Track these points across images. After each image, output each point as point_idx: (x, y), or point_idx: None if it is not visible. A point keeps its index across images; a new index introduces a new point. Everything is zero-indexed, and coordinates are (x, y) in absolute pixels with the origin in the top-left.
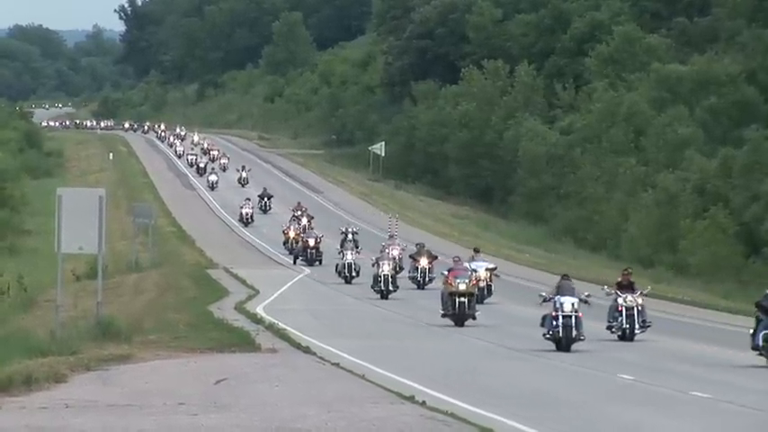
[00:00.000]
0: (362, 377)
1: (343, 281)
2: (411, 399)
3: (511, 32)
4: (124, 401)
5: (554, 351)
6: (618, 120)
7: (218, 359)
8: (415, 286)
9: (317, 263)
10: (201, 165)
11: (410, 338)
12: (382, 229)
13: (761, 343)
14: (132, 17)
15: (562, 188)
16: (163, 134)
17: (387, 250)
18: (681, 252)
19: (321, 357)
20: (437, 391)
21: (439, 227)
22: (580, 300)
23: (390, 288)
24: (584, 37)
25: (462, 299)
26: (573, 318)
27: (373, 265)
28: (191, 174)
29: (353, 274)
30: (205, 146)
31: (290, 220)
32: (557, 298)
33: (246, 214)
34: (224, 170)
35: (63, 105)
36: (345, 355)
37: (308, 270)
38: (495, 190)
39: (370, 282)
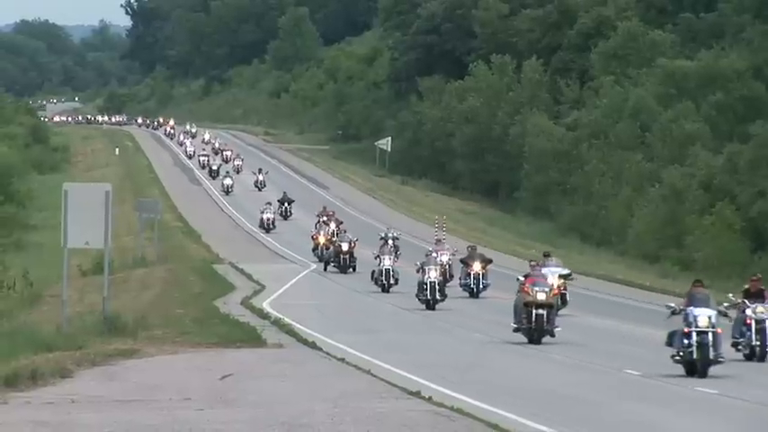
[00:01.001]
0: (369, 372)
1: (379, 289)
2: (417, 394)
3: (517, 28)
4: (130, 396)
5: (682, 376)
6: (624, 115)
7: (225, 354)
8: (467, 294)
9: (351, 269)
10: (214, 167)
11: (416, 333)
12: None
13: None
14: (138, 12)
15: (568, 184)
16: (171, 131)
17: (434, 255)
18: (687, 248)
19: (327, 352)
20: (443, 386)
21: (446, 222)
22: (718, 312)
23: (438, 297)
24: (591, 32)
25: (540, 311)
26: (710, 334)
27: (418, 272)
28: (203, 176)
29: (391, 281)
30: (216, 145)
31: (316, 225)
32: (689, 310)
33: (268, 220)
34: (237, 172)
35: (69, 100)
36: (351, 350)
37: (314, 265)
38: (501, 185)
39: (415, 290)
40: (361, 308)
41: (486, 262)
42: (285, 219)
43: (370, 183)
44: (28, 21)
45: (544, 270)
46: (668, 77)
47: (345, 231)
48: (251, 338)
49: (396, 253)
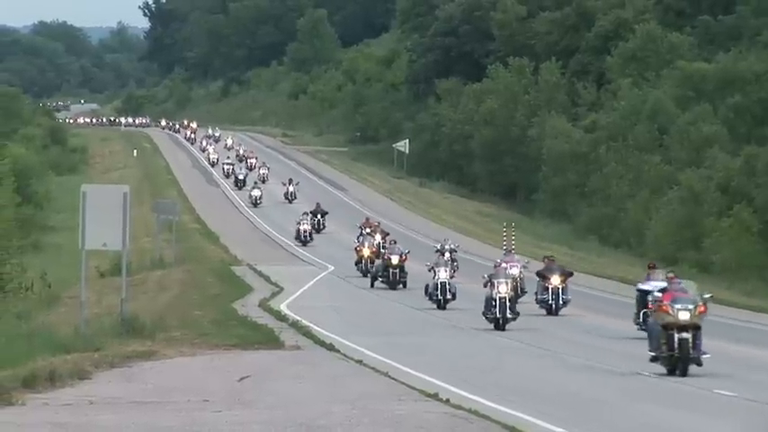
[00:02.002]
0: (386, 374)
1: (434, 305)
2: (435, 396)
3: (535, 30)
4: (148, 398)
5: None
6: (642, 118)
7: (242, 356)
8: (545, 311)
9: (401, 285)
10: (241, 177)
11: (434, 336)
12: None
13: None
14: (156, 14)
15: (586, 186)
16: (192, 136)
17: (503, 267)
18: (705, 250)
19: (345, 354)
20: (461, 388)
21: (463, 224)
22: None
23: (508, 315)
24: (609, 35)
25: (685, 334)
26: None
27: (486, 285)
28: (227, 185)
29: (448, 296)
30: (241, 152)
31: (359, 237)
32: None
33: (305, 231)
34: (263, 181)
35: (89, 101)
36: (369, 353)
37: (331, 267)
38: (519, 187)
39: (472, 305)
40: (379, 310)
41: (566, 275)
42: (318, 232)
43: (388, 185)
44: (46, 22)
45: (650, 284)
46: (686, 80)
47: (395, 242)
48: (269, 340)
49: (453, 265)
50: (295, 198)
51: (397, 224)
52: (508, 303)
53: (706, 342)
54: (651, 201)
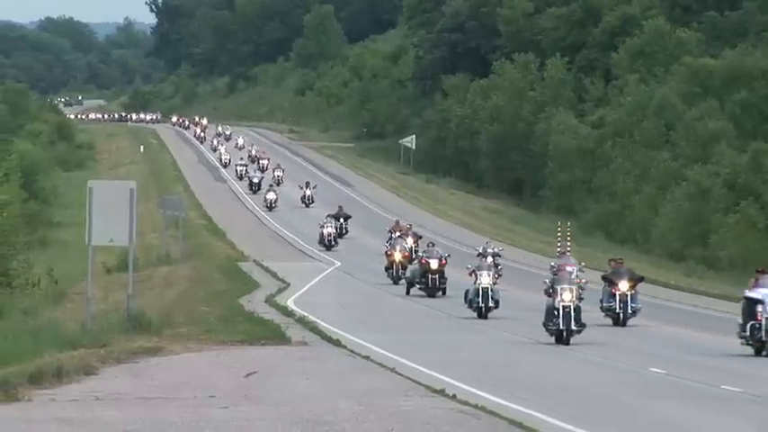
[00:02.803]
0: (393, 370)
1: (475, 314)
2: (441, 392)
3: (542, 26)
4: (154, 394)
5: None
6: (649, 113)
7: (249, 352)
8: (611, 321)
9: (440, 292)
10: (255, 180)
11: (440, 332)
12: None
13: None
14: (163, 10)
15: (593, 182)
16: (203, 134)
17: (567, 271)
18: (711, 246)
19: (351, 350)
20: (468, 384)
21: (470, 220)
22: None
23: (573, 327)
24: (615, 31)
25: None
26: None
27: (548, 293)
28: (241, 188)
29: (490, 303)
30: (253, 152)
31: (389, 241)
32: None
33: (329, 235)
34: (278, 184)
35: (95, 97)
36: (376, 348)
37: (338, 263)
38: (525, 184)
39: (542, 318)
40: (386, 306)
41: (636, 280)
42: (340, 236)
43: (395, 181)
44: (53, 18)
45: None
46: (693, 75)
47: (433, 245)
48: (275, 336)
49: (497, 270)
50: (312, 202)
51: (403, 220)
52: (573, 314)
53: (720, 340)
54: (657, 197)
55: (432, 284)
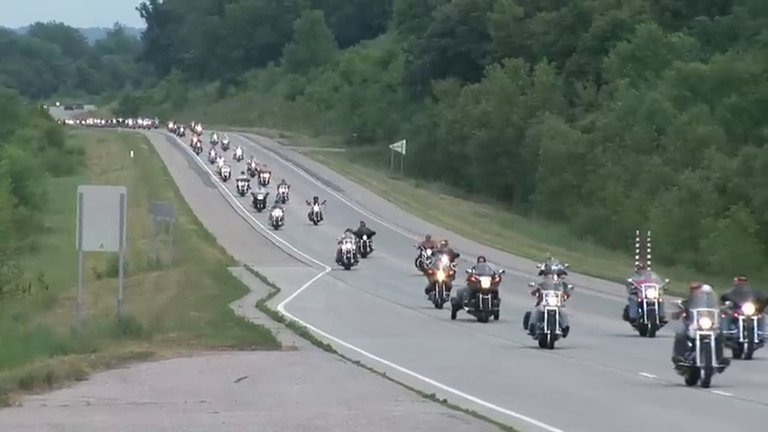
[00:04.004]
0: (383, 375)
1: (537, 342)
2: (432, 397)
3: (532, 30)
4: (145, 399)
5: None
6: (639, 118)
7: (239, 357)
8: (730, 352)
9: (492, 316)
10: (260, 197)
11: (431, 336)
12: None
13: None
14: (153, 15)
15: (583, 187)
16: (199, 144)
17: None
18: (702, 251)
19: (342, 355)
20: (458, 389)
21: (460, 225)
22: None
23: (715, 363)
24: (606, 35)
25: None
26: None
27: (678, 317)
28: (242, 204)
29: (558, 331)
30: (253, 165)
31: (421, 258)
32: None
33: (348, 252)
34: (283, 201)
35: (86, 103)
36: (366, 353)
37: (328, 268)
38: (515, 188)
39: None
40: (376, 311)
41: (763, 302)
42: (364, 256)
43: (385, 185)
44: (43, 23)
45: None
46: (683, 80)
47: (484, 259)
48: (266, 341)
49: (566, 290)
50: (321, 219)
51: (394, 225)
52: (714, 345)
53: None
54: (648, 201)
55: (483, 306)
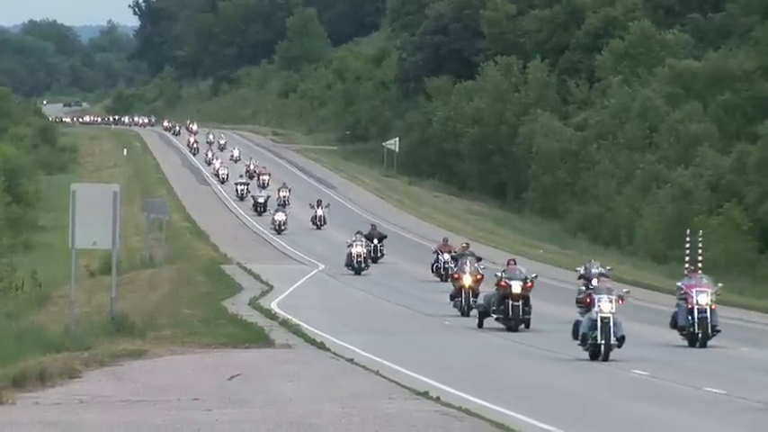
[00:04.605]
0: (377, 373)
1: (588, 352)
2: (425, 394)
3: (525, 28)
4: (138, 397)
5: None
6: (632, 116)
7: (232, 355)
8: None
9: (523, 325)
10: (261, 200)
11: (424, 334)
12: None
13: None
14: (146, 13)
15: (576, 184)
16: (196, 145)
17: (690, 294)
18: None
19: (335, 353)
20: (451, 386)
21: (453, 223)
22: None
23: None
24: (599, 33)
25: None
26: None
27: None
28: (242, 209)
29: (613, 341)
30: (251, 167)
31: (434, 265)
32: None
33: (358, 256)
34: (284, 204)
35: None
36: (359, 351)
37: (321, 266)
38: (508, 186)
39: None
40: (369, 309)
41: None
42: (375, 261)
43: (378, 183)
44: (36, 21)
45: None
46: (676, 77)
47: (515, 263)
48: (259, 339)
49: (623, 294)
50: (324, 223)
51: (387, 222)
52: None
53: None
54: (641, 199)
55: (513, 314)
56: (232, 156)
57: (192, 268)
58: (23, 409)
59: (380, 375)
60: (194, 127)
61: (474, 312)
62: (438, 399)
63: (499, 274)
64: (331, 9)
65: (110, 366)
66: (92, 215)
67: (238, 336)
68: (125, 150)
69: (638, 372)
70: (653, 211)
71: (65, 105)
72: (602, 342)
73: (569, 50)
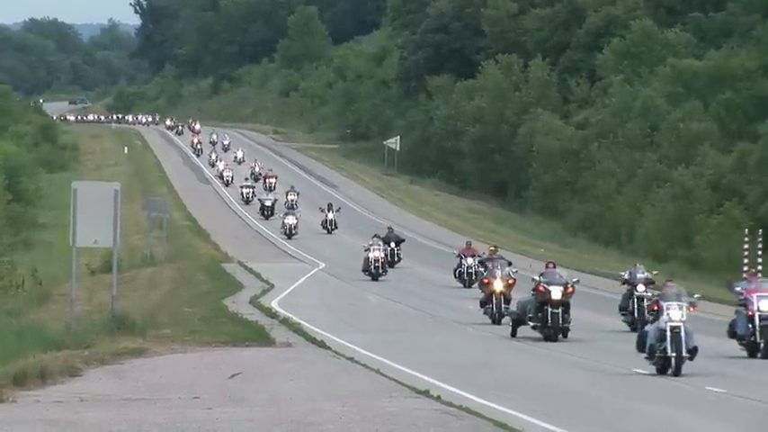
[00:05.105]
0: (377, 371)
1: (655, 367)
2: (426, 393)
3: (526, 27)
4: (139, 395)
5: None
6: (633, 115)
7: (233, 353)
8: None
9: (561, 335)
10: (268, 203)
11: (425, 333)
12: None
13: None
14: (147, 11)
15: (577, 183)
16: (199, 145)
17: (751, 300)
18: (695, 247)
19: (336, 351)
20: (452, 385)
21: (454, 221)
22: None
23: None
24: (600, 32)
25: None
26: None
27: None
28: (247, 212)
29: (685, 353)
30: (257, 169)
31: (456, 270)
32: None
33: (376, 260)
34: (292, 208)
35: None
36: (360, 350)
37: (322, 264)
38: (509, 185)
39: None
40: (370, 307)
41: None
42: (391, 265)
43: (379, 182)
44: (37, 19)
45: None
46: (677, 76)
47: (554, 266)
48: (259, 337)
49: (689, 304)
50: (335, 227)
51: (388, 221)
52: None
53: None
54: (642, 198)
55: (552, 322)
56: (236, 157)
57: (193, 267)
58: (24, 408)
59: (381, 374)
60: (197, 126)
61: (506, 320)
62: (439, 397)
63: (537, 278)
64: (332, 7)
65: (110, 365)
66: (93, 213)
67: (239, 334)
68: (126, 149)
69: (638, 370)
70: (654, 211)
71: (70, 103)
72: (673, 354)
73: (570, 49)
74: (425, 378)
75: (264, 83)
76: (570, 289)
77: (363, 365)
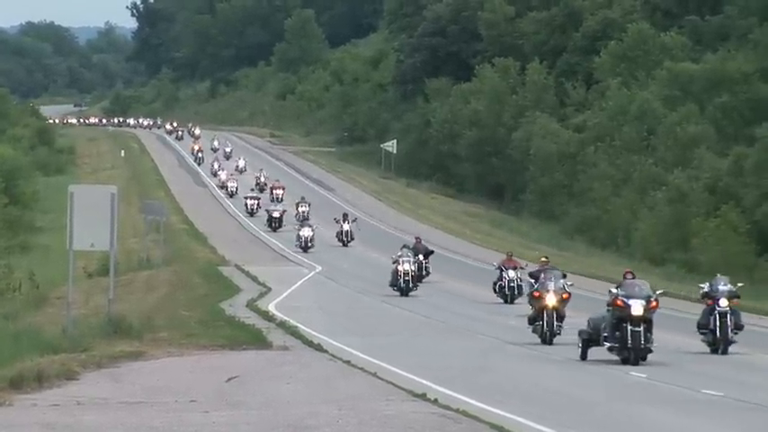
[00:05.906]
0: (374, 375)
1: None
2: (423, 396)
3: (523, 30)
4: (135, 399)
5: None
6: (630, 118)
7: (230, 356)
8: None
9: (642, 358)
10: (276, 215)
11: (421, 336)
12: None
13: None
14: (144, 14)
15: (574, 186)
16: (200, 153)
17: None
18: (692, 250)
19: (333, 355)
20: (449, 388)
21: (451, 225)
22: None
23: None
24: (596, 35)
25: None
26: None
27: None
28: (253, 224)
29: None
30: (262, 179)
31: (496, 284)
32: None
33: (406, 274)
34: (302, 220)
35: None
36: (357, 353)
37: (319, 267)
38: (506, 188)
39: None
40: (367, 311)
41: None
42: (420, 279)
43: (376, 185)
44: (33, 22)
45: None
46: (674, 80)
47: (633, 276)
48: (256, 341)
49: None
50: (352, 239)
51: (385, 225)
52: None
53: (698, 343)
54: (638, 201)
55: (633, 342)
56: (237, 166)
57: (190, 270)
58: (21, 411)
59: (378, 377)
60: (197, 131)
61: (558, 339)
62: (436, 401)
63: (614, 291)
64: (329, 11)
65: (107, 368)
66: (90, 217)
67: (236, 337)
68: (123, 152)
69: (635, 374)
70: (650, 214)
71: (75, 106)
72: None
73: (567, 52)
74: (422, 381)
75: (261, 86)
76: (654, 303)
77: (360, 369)
